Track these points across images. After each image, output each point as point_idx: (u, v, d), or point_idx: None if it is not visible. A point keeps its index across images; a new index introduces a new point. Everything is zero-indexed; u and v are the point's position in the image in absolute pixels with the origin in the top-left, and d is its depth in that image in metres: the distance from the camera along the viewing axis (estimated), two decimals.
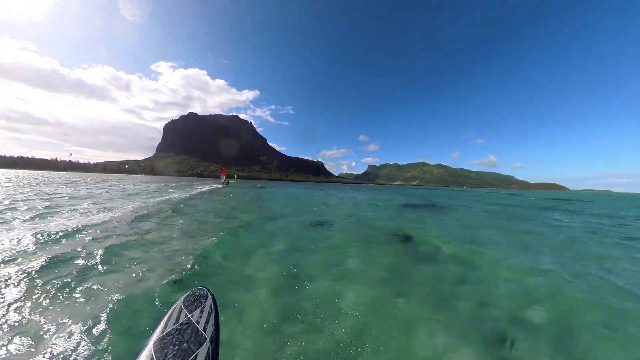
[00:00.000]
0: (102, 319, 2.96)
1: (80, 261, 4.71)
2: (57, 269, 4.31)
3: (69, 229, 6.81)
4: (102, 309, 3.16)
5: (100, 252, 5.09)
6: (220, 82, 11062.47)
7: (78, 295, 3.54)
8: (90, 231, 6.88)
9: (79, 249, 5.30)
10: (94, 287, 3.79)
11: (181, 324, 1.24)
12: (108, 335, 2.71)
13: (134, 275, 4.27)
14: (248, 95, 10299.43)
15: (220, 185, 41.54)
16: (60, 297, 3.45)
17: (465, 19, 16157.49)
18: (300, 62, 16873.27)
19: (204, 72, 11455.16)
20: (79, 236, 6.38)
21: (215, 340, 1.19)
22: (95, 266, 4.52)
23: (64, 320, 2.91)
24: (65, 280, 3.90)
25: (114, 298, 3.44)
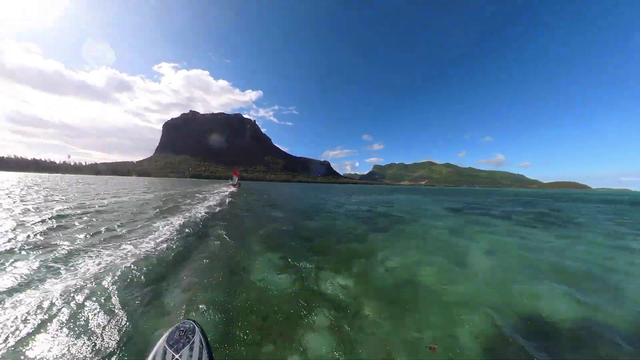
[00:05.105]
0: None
1: None
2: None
3: None
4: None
5: None
6: (223, 83, 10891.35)
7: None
8: None
9: None
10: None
11: None
12: None
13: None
14: (251, 95, 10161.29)
15: (233, 190, 32.46)
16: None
17: (470, 17, 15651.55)
18: (304, 61, 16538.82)
19: (207, 72, 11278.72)
20: None
21: None
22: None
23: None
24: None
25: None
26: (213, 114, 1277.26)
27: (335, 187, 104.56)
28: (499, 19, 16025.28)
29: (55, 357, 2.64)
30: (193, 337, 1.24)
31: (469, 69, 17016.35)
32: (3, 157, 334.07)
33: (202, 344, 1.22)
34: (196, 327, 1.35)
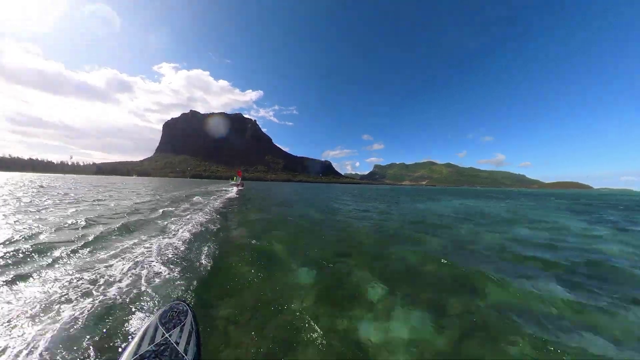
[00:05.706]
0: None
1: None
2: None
3: None
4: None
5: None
6: (223, 83, 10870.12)
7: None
8: None
9: None
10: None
11: (157, 344, 1.06)
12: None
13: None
14: (251, 95, 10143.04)
15: (233, 193, 29.49)
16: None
17: (470, 17, 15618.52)
18: (304, 61, 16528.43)
19: (207, 72, 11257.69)
20: None
21: None
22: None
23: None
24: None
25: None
26: (213, 114, 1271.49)
27: (338, 187, 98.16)
28: (498, 18, 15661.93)
29: (52, 331, 2.60)
30: (185, 319, 1.26)
31: (469, 68, 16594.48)
32: None
33: (192, 327, 1.24)
34: (189, 310, 1.37)
